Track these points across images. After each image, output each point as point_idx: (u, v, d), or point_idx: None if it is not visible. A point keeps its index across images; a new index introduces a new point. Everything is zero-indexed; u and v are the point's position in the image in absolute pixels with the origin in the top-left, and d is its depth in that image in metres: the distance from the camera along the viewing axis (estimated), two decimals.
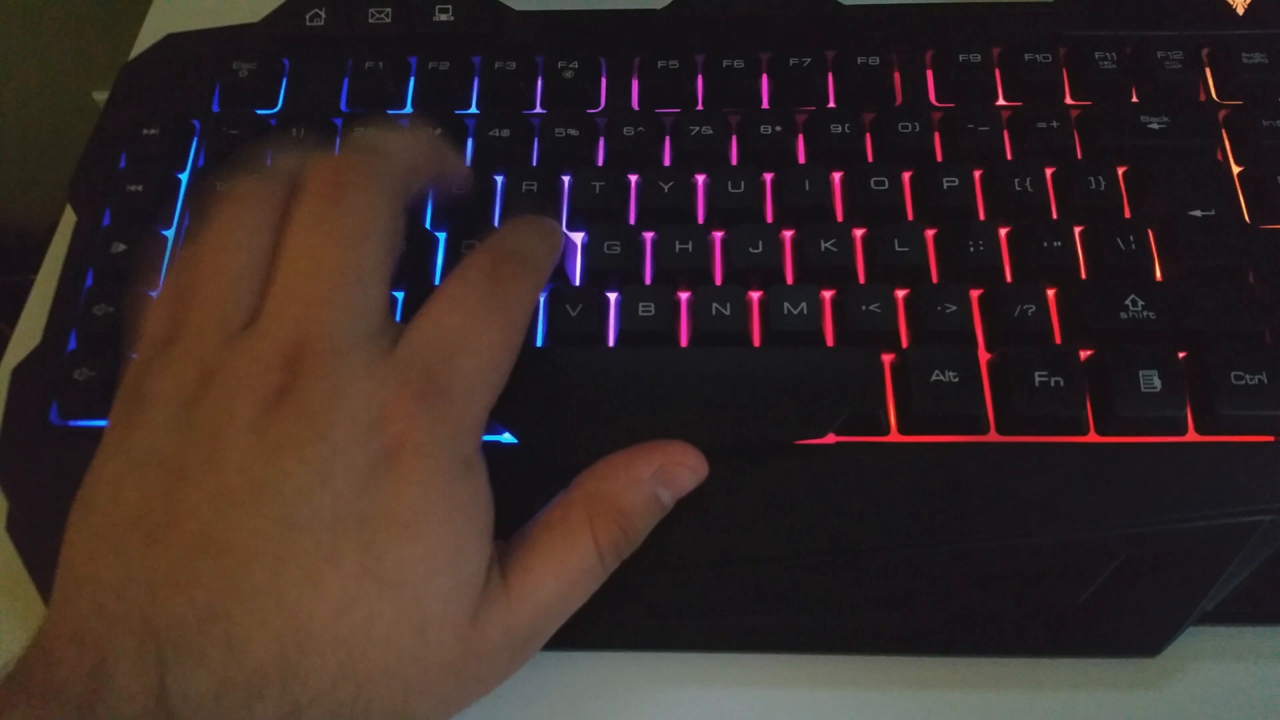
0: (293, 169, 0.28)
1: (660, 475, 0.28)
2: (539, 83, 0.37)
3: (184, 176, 0.36)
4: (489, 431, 0.31)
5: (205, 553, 0.23)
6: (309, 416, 0.24)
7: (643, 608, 0.29)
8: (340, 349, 0.25)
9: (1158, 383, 0.30)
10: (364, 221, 0.27)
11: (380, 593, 0.23)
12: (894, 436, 0.31)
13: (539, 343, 0.32)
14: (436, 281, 0.33)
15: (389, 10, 0.39)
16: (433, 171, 0.31)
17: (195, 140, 0.37)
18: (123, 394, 0.26)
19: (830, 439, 0.31)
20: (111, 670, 0.22)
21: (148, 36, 0.42)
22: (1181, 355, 0.31)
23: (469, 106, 0.37)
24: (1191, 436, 0.30)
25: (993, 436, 0.31)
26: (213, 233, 0.27)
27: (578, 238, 0.34)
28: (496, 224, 0.35)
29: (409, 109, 0.37)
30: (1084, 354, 0.31)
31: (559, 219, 0.34)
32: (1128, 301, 0.31)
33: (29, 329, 0.36)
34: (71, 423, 0.33)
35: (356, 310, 0.26)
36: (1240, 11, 0.36)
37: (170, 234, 0.35)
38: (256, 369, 0.25)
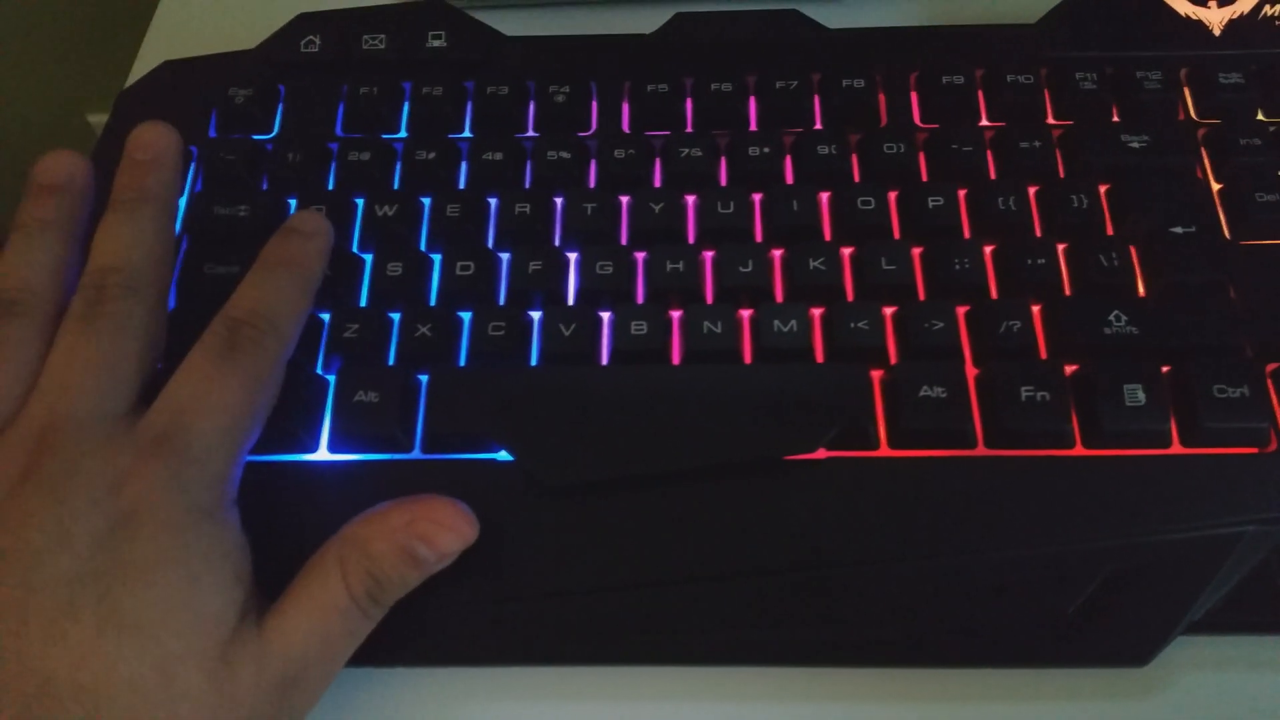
0: (48, 290, 0.31)
1: (414, 529, 0.28)
2: (531, 106, 0.38)
3: (182, 202, 0.37)
4: (485, 450, 0.31)
5: None
6: (49, 489, 0.26)
7: (633, 622, 0.29)
8: (83, 427, 0.27)
9: (1142, 396, 0.31)
10: (121, 321, 0.29)
11: (119, 638, 0.24)
12: (884, 451, 0.31)
13: (533, 361, 0.33)
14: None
15: (383, 37, 0.39)
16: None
17: (193, 166, 0.38)
18: None
19: (821, 454, 0.31)
20: None
21: (144, 63, 0.43)
22: (1165, 369, 0.32)
23: (462, 130, 0.38)
24: (1176, 449, 0.31)
25: (981, 451, 0.31)
26: None
27: (572, 258, 0.34)
28: (490, 245, 0.35)
29: (403, 133, 0.38)
30: (1069, 369, 0.32)
31: (551, 238, 0.35)
32: (1111, 317, 0.32)
33: None
34: None
35: (103, 394, 0.28)
36: (1217, 33, 0.37)
37: None
38: (7, 455, 0.27)
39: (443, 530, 0.28)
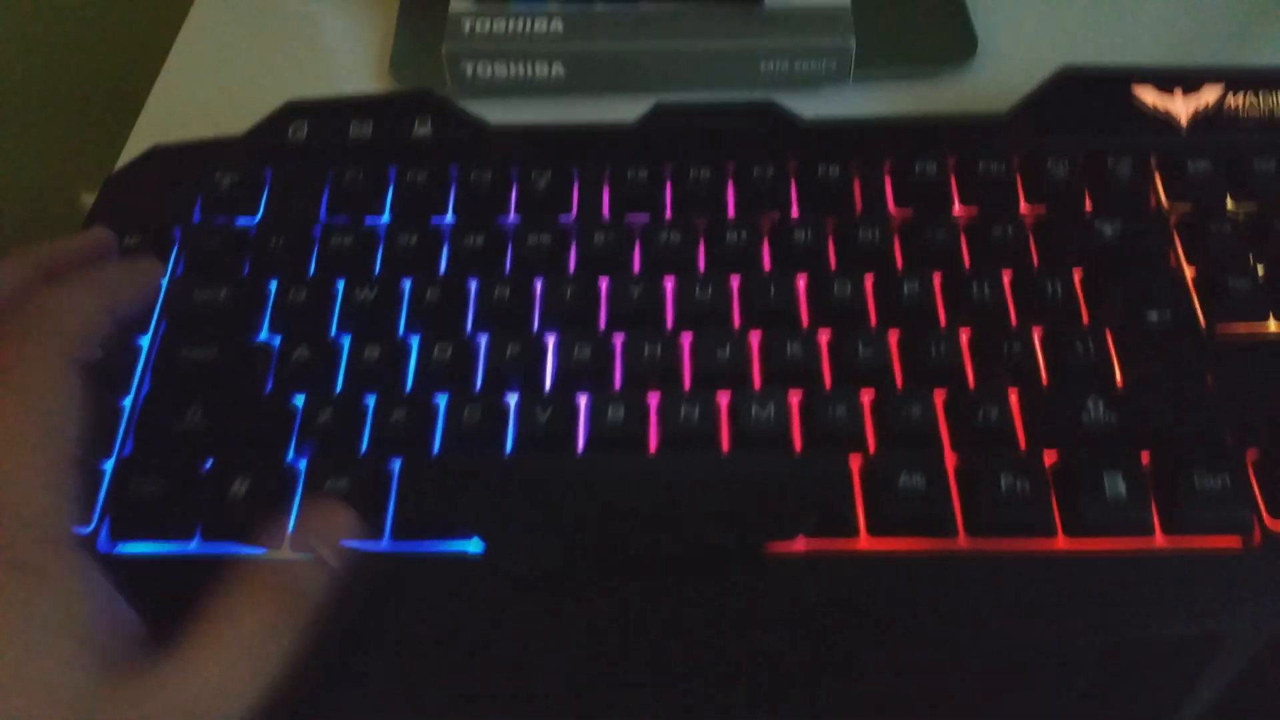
0: None
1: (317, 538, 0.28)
2: (513, 191, 0.38)
3: (163, 284, 0.37)
4: (456, 539, 0.31)
5: None
6: None
7: None
8: None
9: (1122, 485, 0.31)
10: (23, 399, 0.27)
11: None
12: (863, 540, 0.31)
13: (508, 448, 0.32)
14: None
15: (370, 124, 0.40)
16: (106, 320, 0.31)
17: (175, 249, 0.38)
18: None
19: (801, 545, 0.31)
20: None
21: (136, 146, 0.43)
22: (1145, 458, 0.31)
23: (445, 214, 0.38)
24: (1158, 539, 0.31)
25: (961, 540, 0.31)
26: None
27: (550, 342, 0.34)
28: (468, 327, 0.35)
29: (387, 217, 0.38)
30: (1049, 457, 0.32)
31: (530, 321, 0.35)
32: (1089, 404, 0.32)
33: None
34: None
35: None
36: (1184, 123, 0.38)
37: (145, 342, 0.36)
38: None
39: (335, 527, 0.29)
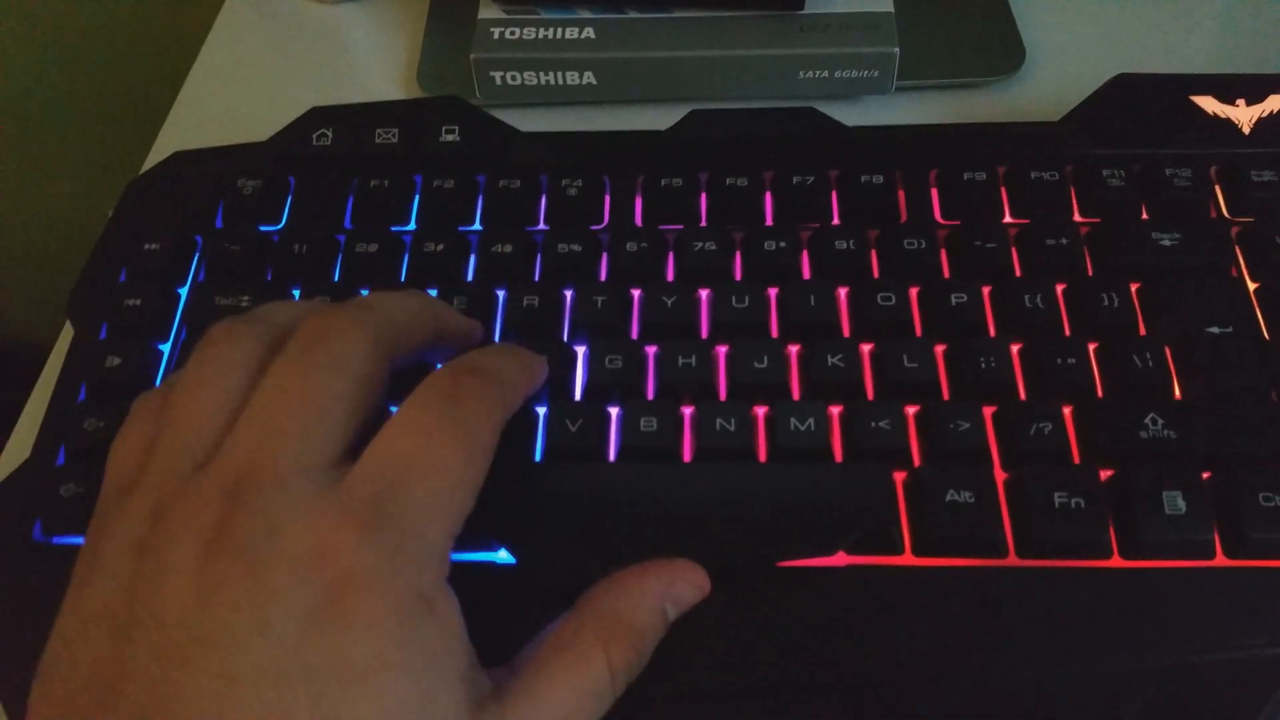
0: (287, 318, 0.27)
1: (670, 592, 0.27)
2: (543, 200, 0.37)
3: (184, 291, 0.36)
4: (485, 549, 0.30)
5: (151, 716, 0.21)
6: (244, 556, 0.22)
7: None
8: (284, 479, 0.23)
9: (1182, 504, 0.29)
10: (337, 359, 0.25)
11: None
12: (908, 558, 0.29)
13: (538, 458, 0.31)
14: None
15: (396, 131, 0.39)
16: (427, 336, 0.29)
17: (196, 256, 0.37)
18: (85, 543, 0.25)
19: (841, 560, 0.29)
20: None
21: (159, 154, 0.43)
22: (1205, 476, 0.30)
23: (473, 223, 0.37)
24: (1220, 561, 0.29)
25: (1012, 560, 0.29)
26: (188, 373, 0.26)
27: (580, 351, 0.33)
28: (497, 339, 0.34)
29: (413, 225, 0.37)
30: (1104, 474, 0.30)
31: (559, 331, 0.34)
32: (1147, 420, 0.30)
33: (21, 443, 0.35)
34: (56, 539, 0.32)
35: (309, 441, 0.24)
36: (1246, 131, 0.36)
37: (166, 349, 0.35)
38: (199, 504, 0.23)
39: (691, 587, 0.28)
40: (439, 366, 0.28)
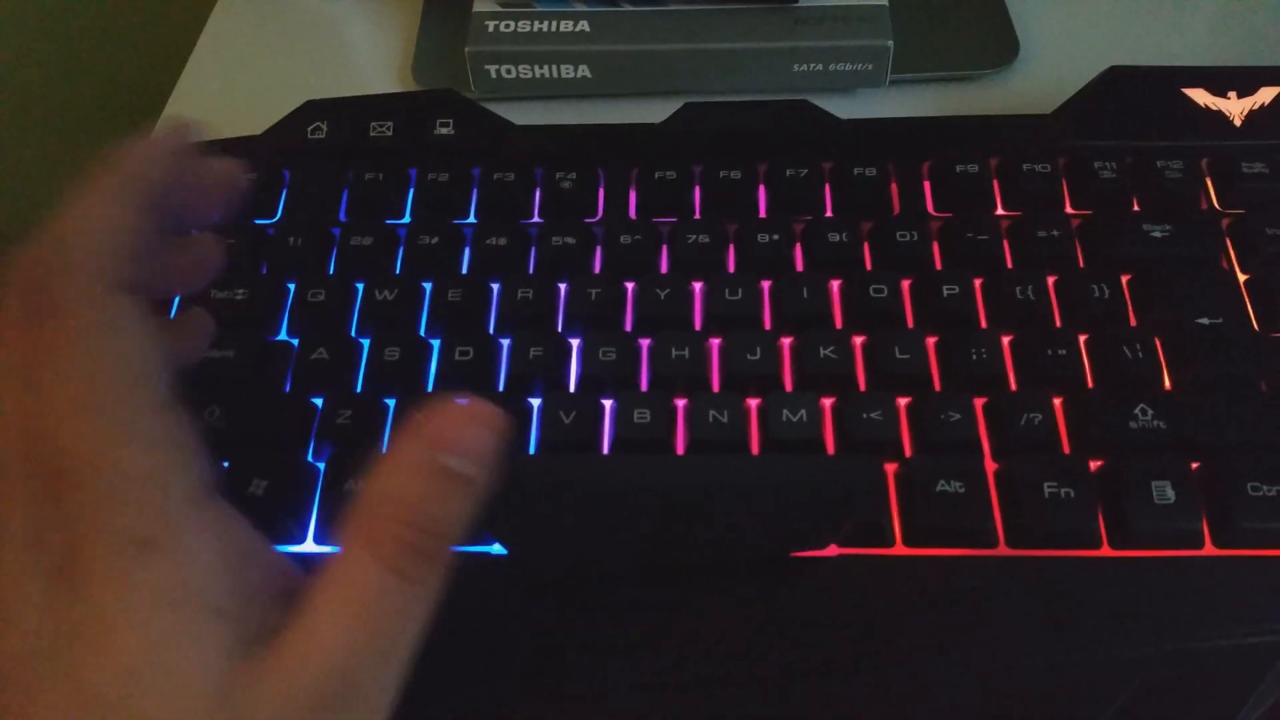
0: None
1: (438, 445, 0.23)
2: (537, 193, 0.37)
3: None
4: (479, 541, 0.30)
5: None
6: None
7: None
8: None
9: (1171, 494, 0.29)
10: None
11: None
12: (899, 549, 0.30)
13: (532, 449, 0.31)
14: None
15: (390, 124, 0.39)
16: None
17: None
18: None
19: (833, 551, 0.29)
20: None
21: None
22: (1194, 466, 0.30)
23: (468, 216, 0.37)
24: (1209, 550, 0.29)
25: (1002, 550, 0.29)
26: None
27: (574, 344, 0.33)
28: (490, 329, 0.34)
29: (407, 219, 0.37)
30: (1094, 464, 0.30)
31: (554, 323, 0.34)
32: (1137, 411, 0.31)
33: None
34: None
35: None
36: (1237, 124, 0.36)
37: None
38: None
39: (471, 429, 0.23)
40: None
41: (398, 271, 0.36)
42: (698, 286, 0.34)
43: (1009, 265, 0.34)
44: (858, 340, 0.33)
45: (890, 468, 0.31)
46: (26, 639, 0.21)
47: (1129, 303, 0.33)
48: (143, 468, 0.22)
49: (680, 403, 0.32)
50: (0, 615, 0.21)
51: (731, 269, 0.35)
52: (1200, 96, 0.37)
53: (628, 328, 0.34)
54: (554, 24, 0.42)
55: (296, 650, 0.21)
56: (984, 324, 0.33)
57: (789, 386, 0.32)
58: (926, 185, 0.36)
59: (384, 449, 0.23)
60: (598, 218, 0.37)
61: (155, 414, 0.23)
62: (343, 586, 0.22)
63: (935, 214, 0.36)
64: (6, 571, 0.22)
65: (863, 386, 0.32)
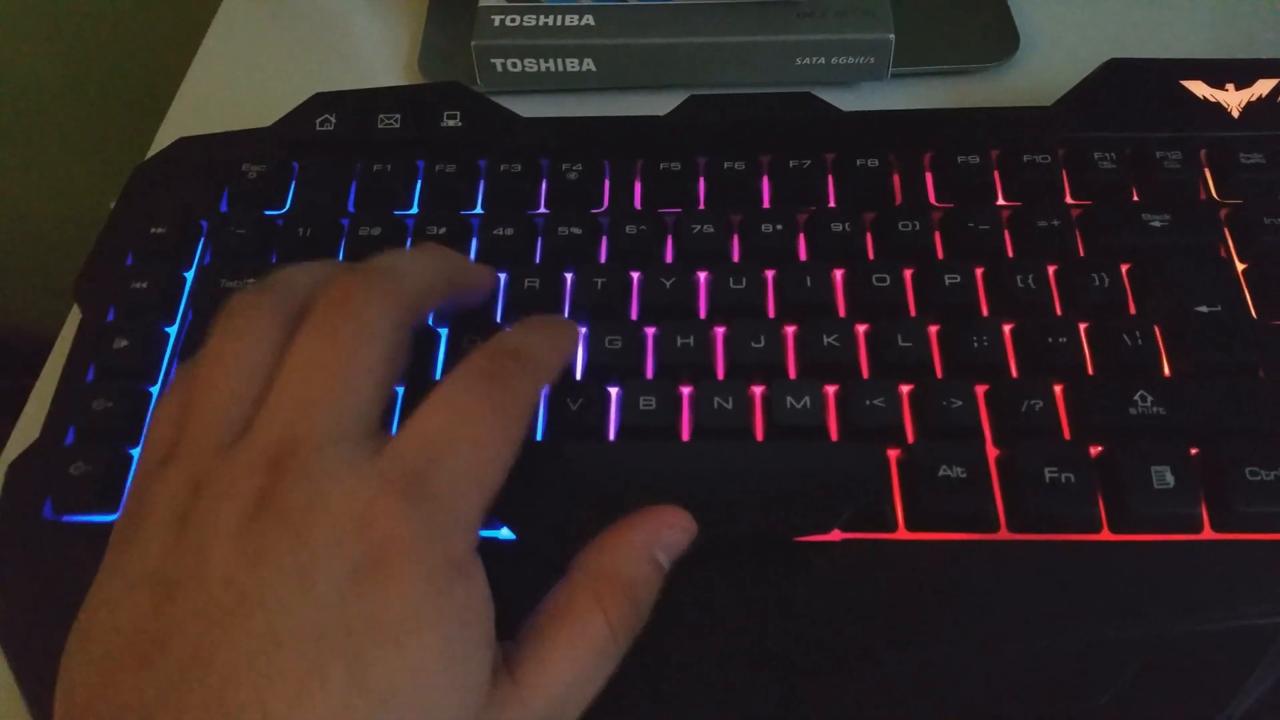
0: (306, 284, 0.28)
1: (654, 540, 0.27)
2: (544, 184, 0.38)
3: (190, 275, 0.37)
4: (486, 527, 0.30)
5: (193, 674, 0.22)
6: (288, 521, 0.23)
7: (634, 709, 0.28)
8: (324, 450, 0.24)
9: (1170, 479, 0.30)
10: (364, 328, 0.26)
11: (370, 707, 0.22)
12: (901, 533, 0.30)
13: (539, 436, 0.32)
14: (437, 377, 0.33)
15: (398, 116, 0.39)
16: (445, 291, 0.31)
17: (202, 240, 0.37)
18: (123, 512, 0.26)
19: (836, 536, 0.30)
20: None
21: (162, 140, 0.43)
22: (1193, 452, 0.30)
23: (475, 207, 0.38)
24: (1207, 534, 0.30)
25: (1003, 534, 0.30)
26: (215, 344, 0.27)
27: (581, 332, 0.34)
28: (499, 320, 0.35)
29: (415, 210, 0.38)
30: (1094, 450, 0.31)
31: (560, 312, 0.34)
32: (1136, 397, 0.31)
33: (30, 425, 0.36)
34: (65, 518, 0.32)
35: (345, 411, 0.25)
36: (1235, 115, 0.37)
37: (173, 331, 0.35)
38: (241, 474, 0.24)
39: (679, 532, 0.28)
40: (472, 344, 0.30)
41: None
42: (702, 276, 0.35)
43: (1010, 255, 0.35)
44: (861, 329, 0.33)
45: (893, 454, 0.31)
46: (322, 613, 0.22)
47: (1128, 291, 0.33)
48: (475, 504, 0.25)
49: (685, 390, 0.32)
50: (301, 583, 0.23)
51: (736, 259, 0.35)
52: (1199, 88, 0.37)
53: (633, 316, 0.34)
54: (559, 18, 0.43)
55: (531, 681, 0.25)
56: (985, 312, 0.33)
57: (793, 374, 0.33)
58: (928, 176, 0.37)
59: (613, 528, 0.28)
60: (603, 208, 0.37)
61: (504, 461, 0.27)
62: (574, 633, 0.26)
63: (937, 204, 0.36)
64: (320, 544, 0.23)
65: (866, 374, 0.33)
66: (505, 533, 0.30)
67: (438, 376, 0.33)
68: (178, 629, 0.23)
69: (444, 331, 0.34)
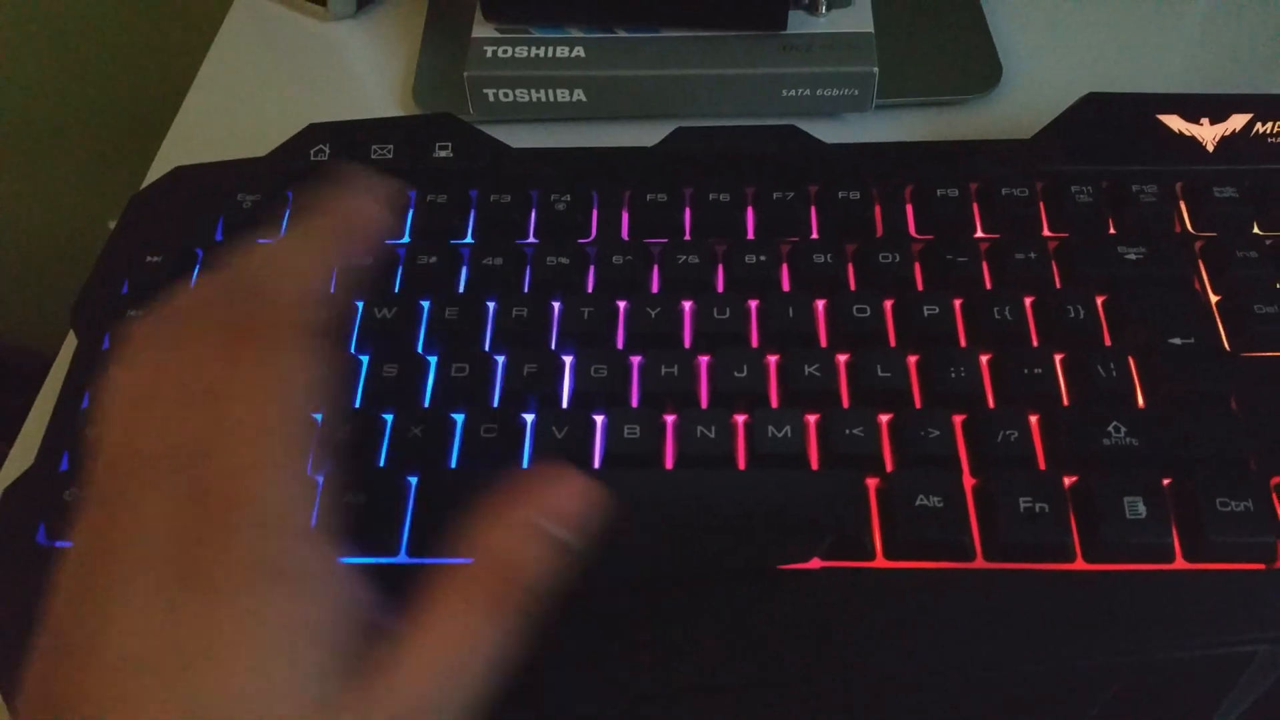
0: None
1: (541, 512, 0.25)
2: (533, 214, 0.39)
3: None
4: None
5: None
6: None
7: None
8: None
9: (1143, 509, 0.30)
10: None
11: None
12: (880, 561, 0.31)
13: (525, 464, 0.32)
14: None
15: (391, 147, 0.40)
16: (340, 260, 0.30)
17: (197, 268, 0.38)
18: None
19: (816, 564, 0.30)
20: None
21: (159, 170, 0.44)
22: (1166, 482, 0.31)
23: (465, 237, 0.38)
24: (1179, 564, 0.30)
25: (979, 563, 0.30)
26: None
27: (567, 361, 0.34)
28: (486, 346, 0.35)
29: (407, 238, 0.38)
30: (1068, 480, 0.31)
31: (547, 341, 0.35)
32: (1110, 428, 0.32)
33: (25, 449, 0.36)
34: (59, 544, 0.33)
35: None
36: (1210, 149, 0.38)
37: None
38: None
39: (563, 497, 0.26)
40: None
41: (397, 290, 0.37)
42: (687, 305, 0.35)
43: (988, 286, 0.35)
44: (841, 358, 0.34)
45: (871, 482, 0.31)
46: (142, 640, 0.22)
47: (1104, 323, 0.34)
48: (287, 504, 0.24)
49: (669, 418, 0.33)
50: (120, 602, 0.22)
51: (720, 289, 0.36)
52: (1174, 123, 0.38)
53: (619, 345, 0.35)
54: (550, 50, 0.43)
55: (387, 681, 0.23)
56: (963, 343, 0.34)
57: (774, 403, 0.33)
58: (909, 208, 0.37)
59: (486, 504, 0.26)
60: (591, 238, 0.38)
61: (303, 449, 0.25)
62: (437, 627, 0.24)
63: (917, 236, 0.37)
64: (131, 564, 0.23)
65: (846, 403, 0.33)
66: None
67: (426, 404, 0.34)
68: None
69: (433, 360, 0.35)
